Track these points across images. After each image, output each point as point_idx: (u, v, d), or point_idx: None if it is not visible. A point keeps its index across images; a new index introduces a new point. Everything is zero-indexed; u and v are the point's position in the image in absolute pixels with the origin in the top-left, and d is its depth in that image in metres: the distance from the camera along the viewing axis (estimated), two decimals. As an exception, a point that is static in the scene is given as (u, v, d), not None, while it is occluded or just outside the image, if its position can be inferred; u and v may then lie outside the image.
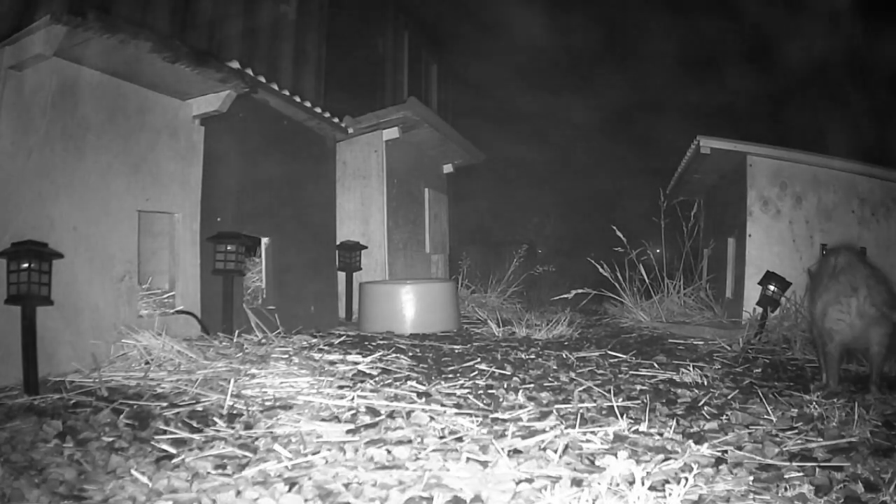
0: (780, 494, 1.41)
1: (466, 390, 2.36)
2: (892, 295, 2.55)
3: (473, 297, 5.96)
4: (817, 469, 1.55)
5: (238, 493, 1.38)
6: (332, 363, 2.79)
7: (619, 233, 5.14)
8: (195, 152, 3.31)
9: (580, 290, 4.88)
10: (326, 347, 3.19)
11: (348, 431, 1.80)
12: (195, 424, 1.85)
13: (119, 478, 1.46)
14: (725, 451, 1.67)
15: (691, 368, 2.79)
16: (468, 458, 1.57)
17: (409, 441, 1.71)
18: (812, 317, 2.72)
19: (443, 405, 2.11)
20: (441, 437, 1.75)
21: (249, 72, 3.48)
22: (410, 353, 3.15)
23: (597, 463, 1.56)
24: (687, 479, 1.41)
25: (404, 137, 5.10)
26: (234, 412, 2.00)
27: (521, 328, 4.17)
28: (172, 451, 1.63)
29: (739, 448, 1.70)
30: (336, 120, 4.53)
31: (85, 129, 2.71)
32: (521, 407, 2.11)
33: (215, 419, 1.90)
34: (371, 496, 1.36)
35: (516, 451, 1.63)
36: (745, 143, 4.60)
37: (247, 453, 1.62)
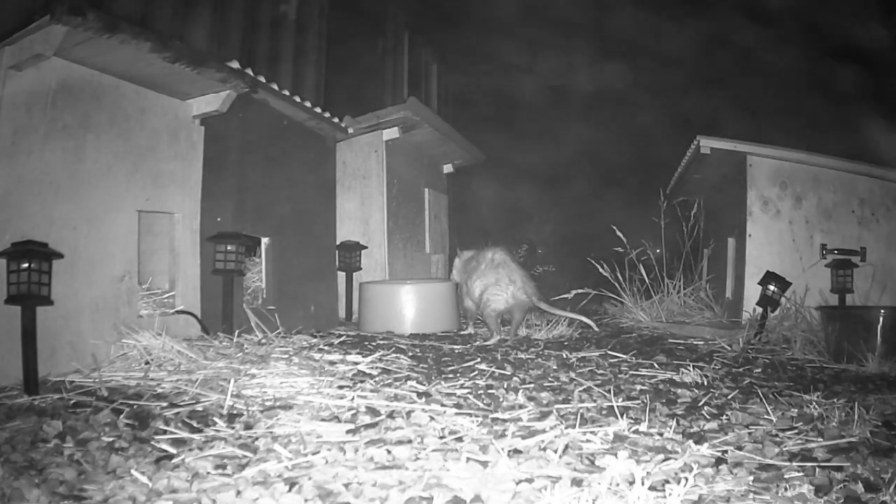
0: (780, 494, 1.40)
1: (466, 390, 2.36)
2: (533, 286, 3.88)
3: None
4: (817, 469, 1.55)
5: (238, 493, 1.38)
6: (332, 363, 2.79)
7: (619, 233, 5.14)
8: (195, 152, 3.31)
9: (580, 290, 4.88)
10: (326, 347, 3.19)
11: (348, 431, 1.80)
12: (195, 424, 1.85)
13: (119, 478, 1.46)
14: (725, 451, 1.67)
15: (691, 368, 2.79)
16: (468, 458, 1.57)
17: (409, 441, 1.71)
18: (471, 291, 3.91)
19: (443, 405, 2.11)
20: (441, 437, 1.75)
21: (249, 72, 3.47)
22: (410, 353, 3.15)
23: (597, 463, 1.56)
24: (687, 479, 1.41)
25: (404, 137, 5.10)
26: (234, 412, 2.00)
27: (521, 328, 4.16)
28: (172, 451, 1.63)
29: (739, 448, 1.70)
30: (336, 120, 4.53)
31: (85, 129, 2.71)
32: (521, 407, 2.11)
33: (215, 419, 1.90)
34: (371, 496, 1.36)
35: (516, 451, 1.63)
36: (745, 143, 4.60)
37: (247, 453, 1.62)
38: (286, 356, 2.84)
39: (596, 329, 3.99)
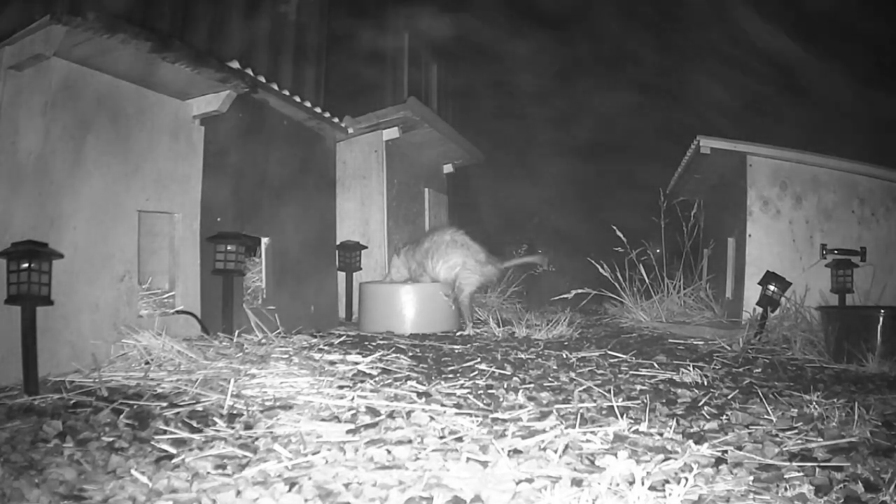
0: (780, 494, 1.41)
1: (466, 390, 2.36)
2: (494, 257, 4.26)
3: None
4: (817, 469, 1.55)
5: (238, 493, 1.38)
6: (332, 363, 2.79)
7: (619, 233, 5.14)
8: (195, 152, 3.31)
9: (580, 290, 4.88)
10: (326, 347, 3.19)
11: (348, 431, 1.80)
12: (195, 424, 1.85)
13: (119, 478, 1.46)
14: (725, 451, 1.67)
15: (691, 368, 2.79)
16: (468, 458, 1.57)
17: (410, 441, 1.71)
18: (434, 271, 4.20)
19: (443, 405, 2.11)
20: (441, 437, 1.75)
21: (249, 72, 3.47)
22: (410, 353, 3.16)
23: (597, 463, 1.56)
24: (687, 479, 1.41)
25: (404, 137, 5.10)
26: (234, 412, 2.00)
27: (521, 328, 4.17)
28: (172, 451, 1.63)
29: (739, 448, 1.70)
30: (336, 120, 4.53)
31: (85, 129, 2.71)
32: (521, 407, 2.11)
33: (215, 419, 1.90)
34: (371, 496, 1.36)
35: (516, 451, 1.63)
36: (745, 143, 4.60)
37: (247, 453, 1.62)
38: (286, 356, 2.84)
39: (543, 266, 4.46)
